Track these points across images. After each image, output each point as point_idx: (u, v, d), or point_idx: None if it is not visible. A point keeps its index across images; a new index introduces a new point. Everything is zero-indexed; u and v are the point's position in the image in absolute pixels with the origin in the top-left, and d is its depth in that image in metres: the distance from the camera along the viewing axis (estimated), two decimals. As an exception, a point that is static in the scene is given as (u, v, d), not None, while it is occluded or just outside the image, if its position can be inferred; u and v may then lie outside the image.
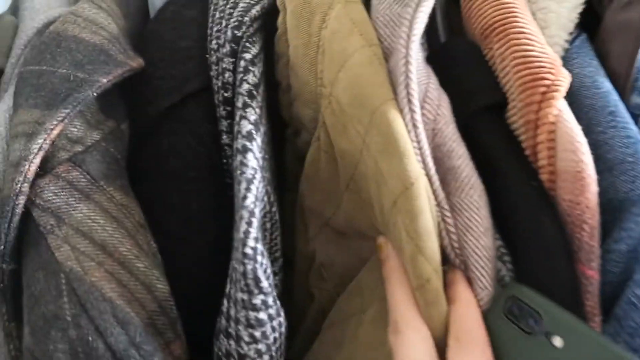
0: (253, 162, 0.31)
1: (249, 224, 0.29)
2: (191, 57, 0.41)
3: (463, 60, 0.38)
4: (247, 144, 0.32)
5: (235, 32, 0.37)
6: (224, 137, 0.38)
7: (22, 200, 0.30)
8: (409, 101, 0.33)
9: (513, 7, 0.35)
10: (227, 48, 0.37)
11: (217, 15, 0.39)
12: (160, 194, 0.37)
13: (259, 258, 0.29)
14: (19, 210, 0.30)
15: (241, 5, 0.38)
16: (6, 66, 0.42)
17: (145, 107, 0.40)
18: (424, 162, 0.32)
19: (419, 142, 0.32)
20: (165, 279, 0.32)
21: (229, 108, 0.37)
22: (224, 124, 0.38)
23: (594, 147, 0.31)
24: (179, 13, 0.41)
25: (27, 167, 0.30)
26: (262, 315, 0.30)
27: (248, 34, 0.37)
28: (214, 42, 0.38)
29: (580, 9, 0.39)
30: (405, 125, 0.32)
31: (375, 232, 0.36)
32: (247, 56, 0.36)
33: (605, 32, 0.39)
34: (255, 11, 0.38)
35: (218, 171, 0.39)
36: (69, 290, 0.29)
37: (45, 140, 0.31)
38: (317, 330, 0.41)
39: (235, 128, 0.33)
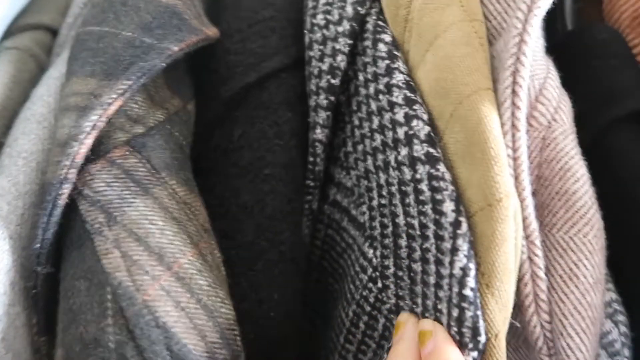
0: (447, 174, 0.25)
1: (469, 258, 0.23)
2: (273, 30, 0.35)
3: (602, 52, 0.30)
4: (432, 150, 0.25)
5: (358, 8, 0.30)
6: (318, 130, 0.31)
7: (67, 189, 0.25)
8: (514, 92, 0.26)
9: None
10: (346, 27, 0.30)
11: None
12: (229, 192, 0.31)
13: (479, 302, 0.24)
14: (62, 201, 0.24)
15: None
16: (62, 26, 0.37)
17: (216, 87, 0.34)
18: (516, 178, 0.25)
19: (515, 149, 0.25)
20: (230, 301, 0.26)
21: (332, 98, 0.30)
22: (321, 115, 0.31)
23: None
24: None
25: (76, 148, 0.24)
26: None
27: (376, 9, 0.30)
28: (319, 16, 0.32)
29: None
30: (501, 124, 0.25)
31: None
32: (387, 38, 0.29)
33: None
34: None
35: (296, 169, 0.32)
36: (115, 310, 0.23)
37: (100, 117, 0.25)
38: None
39: (402, 131, 0.26)
